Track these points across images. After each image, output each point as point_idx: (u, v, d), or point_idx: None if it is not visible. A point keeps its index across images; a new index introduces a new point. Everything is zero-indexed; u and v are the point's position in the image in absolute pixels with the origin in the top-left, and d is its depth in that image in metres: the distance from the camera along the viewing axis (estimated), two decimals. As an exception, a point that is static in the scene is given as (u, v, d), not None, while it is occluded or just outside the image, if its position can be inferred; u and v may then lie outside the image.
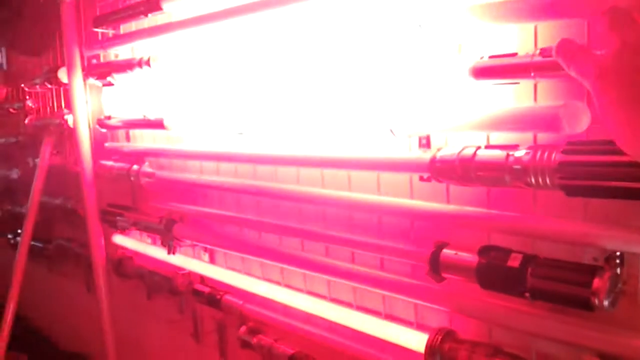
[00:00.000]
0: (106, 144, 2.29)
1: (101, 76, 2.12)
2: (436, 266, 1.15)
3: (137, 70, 1.95)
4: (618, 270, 0.95)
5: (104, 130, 2.28)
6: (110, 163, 2.28)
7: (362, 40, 1.27)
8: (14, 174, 3.26)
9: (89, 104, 2.35)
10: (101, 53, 2.24)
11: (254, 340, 1.75)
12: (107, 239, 2.46)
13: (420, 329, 1.30)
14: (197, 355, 2.19)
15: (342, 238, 1.40)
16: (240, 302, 1.82)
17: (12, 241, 3.27)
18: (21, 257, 2.58)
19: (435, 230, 1.25)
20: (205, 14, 1.72)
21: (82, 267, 2.78)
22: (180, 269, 2.07)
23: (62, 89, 2.59)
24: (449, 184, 1.19)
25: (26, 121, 2.83)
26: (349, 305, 1.49)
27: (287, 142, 1.58)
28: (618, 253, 0.96)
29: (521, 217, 1.08)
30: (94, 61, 2.20)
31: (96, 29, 2.22)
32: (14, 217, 3.20)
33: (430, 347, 1.18)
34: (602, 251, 0.97)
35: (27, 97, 2.91)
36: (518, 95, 1.08)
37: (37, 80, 2.60)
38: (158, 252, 2.17)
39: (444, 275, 1.15)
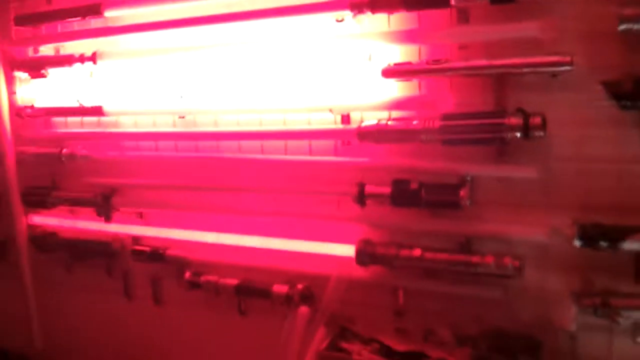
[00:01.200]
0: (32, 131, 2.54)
1: (33, 70, 2.39)
2: (362, 196, 1.80)
3: (76, 65, 2.28)
4: (470, 185, 1.69)
5: (27, 118, 2.52)
6: (33, 149, 2.53)
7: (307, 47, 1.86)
8: None
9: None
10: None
11: (202, 280, 2.23)
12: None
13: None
14: (130, 310, 2.56)
15: (286, 188, 1.98)
16: (185, 253, 2.28)
17: None
18: None
19: (352, 176, 1.89)
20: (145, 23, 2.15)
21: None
22: (116, 234, 2.44)
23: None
24: (366, 145, 1.83)
25: None
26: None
27: (231, 118, 2.10)
28: (469, 177, 1.70)
29: (414, 161, 1.77)
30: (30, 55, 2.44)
31: (18, 26, 2.47)
32: None
33: (359, 250, 1.82)
34: (461, 176, 1.70)
35: None
36: (409, 87, 1.77)
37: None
38: (89, 224, 2.50)
39: (367, 202, 1.80)
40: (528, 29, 1.53)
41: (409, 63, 1.71)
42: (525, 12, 1.54)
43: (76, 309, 2.70)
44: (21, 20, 2.44)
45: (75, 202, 2.49)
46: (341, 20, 1.80)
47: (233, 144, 2.13)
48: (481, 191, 1.73)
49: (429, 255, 1.74)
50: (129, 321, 2.57)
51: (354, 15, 1.73)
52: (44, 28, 2.47)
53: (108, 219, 2.42)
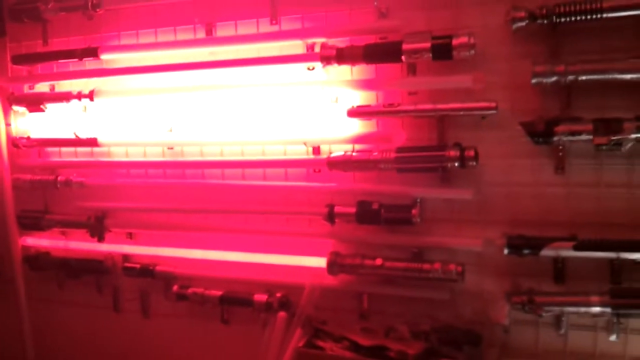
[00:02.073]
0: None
1: (32, 105, 2.65)
2: (332, 215, 2.14)
3: (74, 101, 2.56)
4: (420, 205, 2.05)
5: (23, 148, 2.77)
6: (28, 176, 2.78)
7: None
8: None
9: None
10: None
11: (189, 292, 2.51)
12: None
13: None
14: (119, 323, 2.80)
15: (265, 209, 2.30)
16: (173, 268, 2.56)
17: None
18: None
19: (322, 199, 2.23)
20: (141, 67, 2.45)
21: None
22: (108, 253, 2.69)
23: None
24: (334, 172, 2.17)
25: None
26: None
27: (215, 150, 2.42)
28: (419, 199, 2.07)
29: (374, 186, 2.13)
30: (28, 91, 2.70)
31: (16, 65, 2.73)
32: None
33: (330, 262, 2.16)
34: (413, 198, 2.06)
35: None
36: (369, 125, 2.13)
37: None
38: (81, 244, 2.75)
39: (336, 220, 2.15)
40: (463, 80, 1.92)
41: (368, 106, 2.08)
42: (461, 67, 1.93)
43: (67, 323, 2.92)
44: (19, 59, 2.70)
45: (69, 225, 2.74)
46: (312, 69, 2.16)
47: (217, 171, 2.44)
48: (429, 210, 2.10)
49: (388, 264, 2.09)
50: (118, 334, 2.81)
51: (324, 65, 2.09)
52: (39, 67, 2.74)
53: (101, 239, 2.67)
